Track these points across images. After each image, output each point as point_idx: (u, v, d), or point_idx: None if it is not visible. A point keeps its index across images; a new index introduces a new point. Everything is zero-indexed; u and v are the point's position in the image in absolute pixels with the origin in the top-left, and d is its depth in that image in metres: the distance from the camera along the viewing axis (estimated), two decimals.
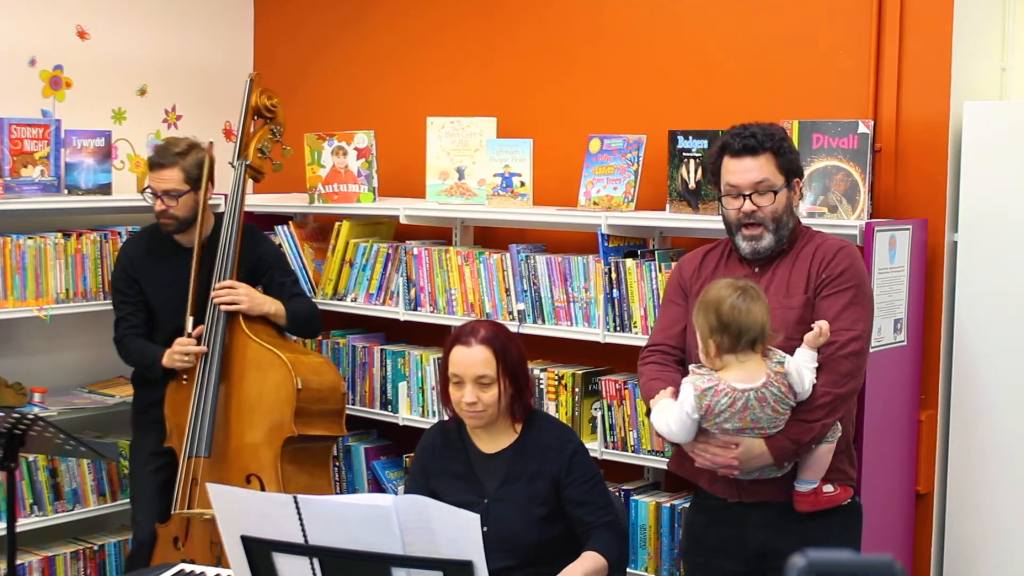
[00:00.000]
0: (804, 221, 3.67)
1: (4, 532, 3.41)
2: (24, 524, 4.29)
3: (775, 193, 3.13)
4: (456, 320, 4.38)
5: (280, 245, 4.74)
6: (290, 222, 4.86)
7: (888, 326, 3.62)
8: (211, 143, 4.32)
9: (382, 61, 5.09)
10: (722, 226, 3.81)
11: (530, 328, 4.15)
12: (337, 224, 4.74)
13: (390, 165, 4.81)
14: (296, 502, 2.36)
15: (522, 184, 4.30)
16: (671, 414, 3.00)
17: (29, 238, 4.41)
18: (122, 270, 4.35)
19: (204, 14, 5.29)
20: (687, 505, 3.92)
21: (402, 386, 4.55)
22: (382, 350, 4.64)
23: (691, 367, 3.02)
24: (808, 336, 2.99)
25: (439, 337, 4.63)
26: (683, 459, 3.22)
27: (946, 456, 3.84)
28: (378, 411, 4.65)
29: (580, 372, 4.16)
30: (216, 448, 4.07)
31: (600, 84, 4.48)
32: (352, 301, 4.69)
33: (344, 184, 4.72)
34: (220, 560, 3.78)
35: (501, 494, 3.26)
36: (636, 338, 3.94)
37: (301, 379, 4.07)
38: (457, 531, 2.32)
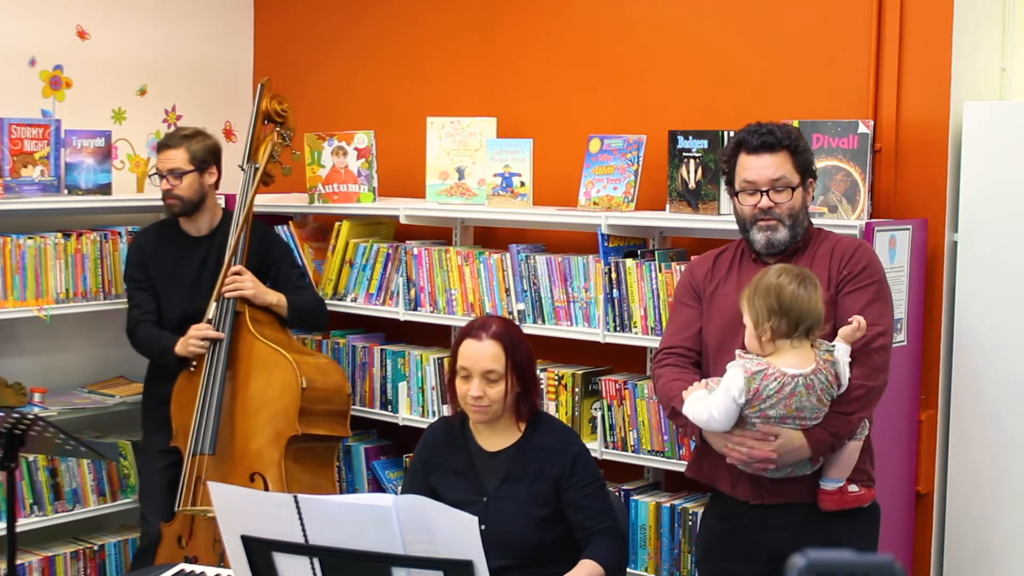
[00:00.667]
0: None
1: (4, 532, 3.41)
2: (24, 524, 4.29)
3: (792, 190, 3.13)
4: (456, 320, 4.38)
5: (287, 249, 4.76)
6: (290, 222, 4.86)
7: None
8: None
9: (382, 61, 5.09)
10: (722, 227, 3.82)
11: (530, 328, 4.15)
12: (337, 224, 4.74)
13: (390, 165, 4.81)
14: (296, 501, 2.35)
15: (522, 184, 4.30)
16: (714, 400, 2.93)
17: (29, 238, 4.41)
18: (134, 257, 4.45)
19: (204, 14, 5.29)
20: (688, 505, 3.92)
21: (402, 386, 4.55)
22: (382, 350, 4.64)
23: (737, 352, 2.97)
24: (845, 330, 2.97)
25: (439, 337, 4.64)
26: (701, 464, 3.20)
27: (946, 456, 3.84)
28: (378, 411, 4.65)
29: (580, 372, 4.16)
30: (221, 446, 4.09)
31: (600, 84, 4.48)
32: (352, 301, 4.69)
33: (344, 184, 4.72)
34: (223, 559, 3.79)
35: (501, 493, 3.26)
36: (636, 338, 3.94)
37: (306, 379, 4.08)
38: (457, 531, 2.32)
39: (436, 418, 4.36)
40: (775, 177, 3.13)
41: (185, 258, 4.36)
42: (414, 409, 4.54)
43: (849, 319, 2.99)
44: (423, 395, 4.51)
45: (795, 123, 3.76)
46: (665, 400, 3.19)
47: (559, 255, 4.17)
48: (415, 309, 4.49)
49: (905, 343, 3.74)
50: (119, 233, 4.66)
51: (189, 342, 4.18)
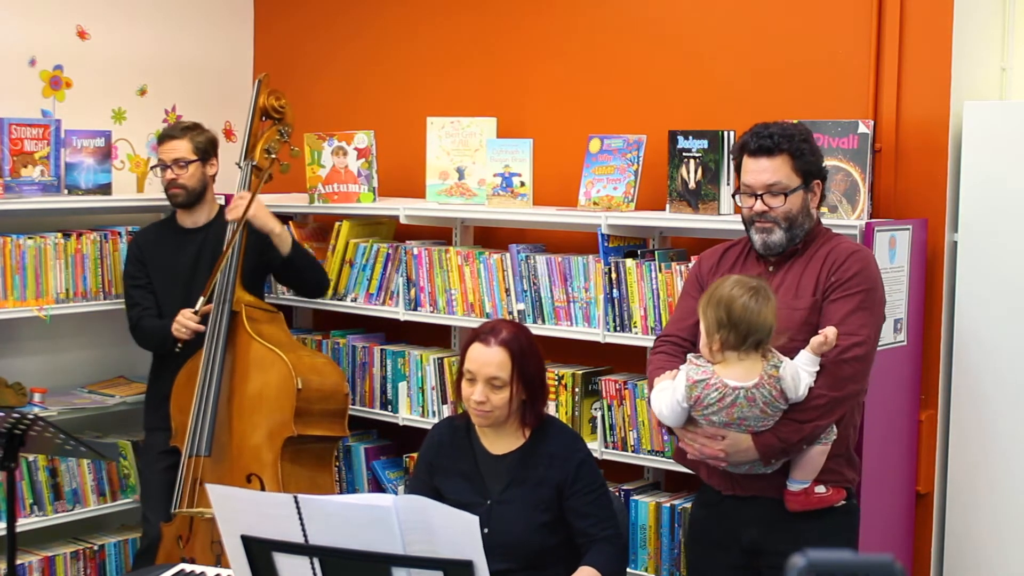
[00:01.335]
0: None
1: (4, 532, 3.41)
2: (24, 524, 4.29)
3: (787, 195, 3.13)
4: (456, 320, 4.39)
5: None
6: (290, 222, 4.86)
7: (888, 326, 3.62)
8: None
9: (382, 61, 5.09)
10: (722, 227, 3.85)
11: (530, 328, 4.14)
12: (337, 224, 4.74)
13: (390, 165, 4.81)
14: (296, 502, 2.35)
15: (522, 184, 4.30)
16: (664, 398, 3.04)
17: (29, 238, 4.42)
18: (132, 255, 4.49)
19: (204, 14, 5.29)
20: (687, 505, 3.92)
21: (402, 386, 4.55)
22: (382, 350, 4.64)
23: (689, 356, 3.04)
24: (813, 341, 2.99)
25: (439, 337, 4.64)
26: (684, 451, 3.24)
27: (946, 456, 3.84)
28: (378, 411, 4.65)
29: (580, 372, 4.16)
30: (217, 447, 4.08)
31: (600, 84, 4.48)
32: (352, 301, 4.69)
33: (344, 184, 4.72)
34: (220, 559, 3.79)
35: (505, 497, 3.25)
36: (636, 338, 3.94)
37: (302, 379, 4.08)
38: (457, 531, 2.32)
39: (436, 418, 4.37)
40: (770, 182, 3.14)
41: (180, 250, 4.38)
42: (414, 409, 4.54)
43: (821, 330, 3.00)
44: (423, 395, 4.51)
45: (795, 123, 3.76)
46: (650, 386, 3.25)
47: (559, 255, 4.16)
48: (415, 309, 4.49)
49: (905, 343, 3.74)
50: (119, 233, 4.66)
51: (177, 325, 4.20)
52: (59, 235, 4.50)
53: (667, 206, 4.02)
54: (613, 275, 3.98)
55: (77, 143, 4.54)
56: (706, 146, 3.89)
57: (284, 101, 4.45)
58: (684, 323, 3.29)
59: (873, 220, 3.66)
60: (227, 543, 2.46)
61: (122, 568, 4.70)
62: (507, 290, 4.25)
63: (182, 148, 4.38)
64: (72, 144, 4.53)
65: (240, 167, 4.42)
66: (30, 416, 3.23)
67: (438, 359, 4.46)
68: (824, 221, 3.68)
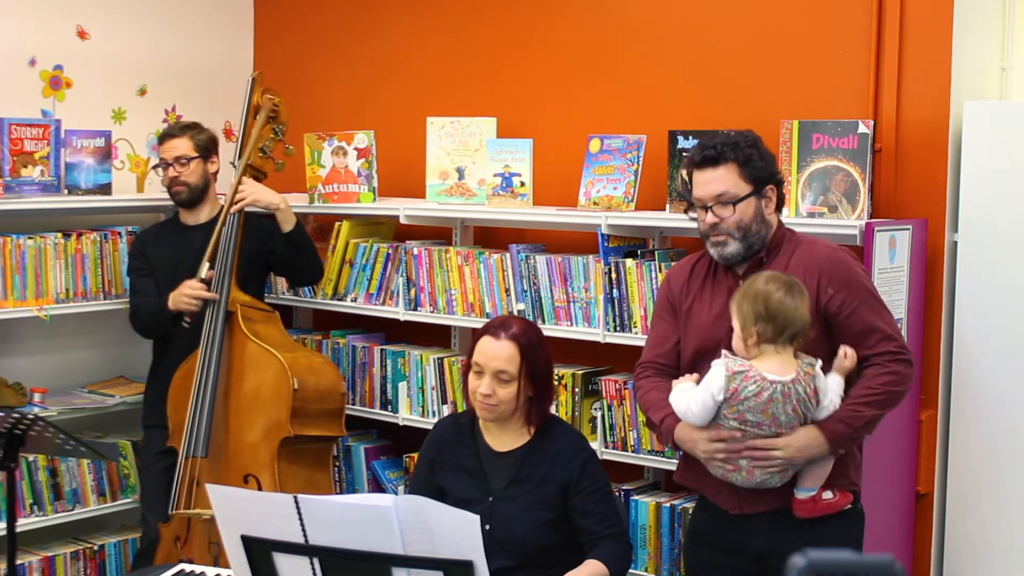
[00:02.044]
0: (803, 222, 3.68)
1: (4, 532, 3.41)
2: (24, 524, 4.29)
3: (735, 204, 3.08)
4: (456, 320, 4.39)
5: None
6: None
7: None
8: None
9: (382, 61, 5.09)
10: None
11: None
12: (337, 224, 4.74)
13: (390, 165, 4.81)
14: (296, 502, 2.36)
15: (522, 184, 4.30)
16: (693, 394, 2.99)
17: (29, 238, 4.41)
18: (134, 250, 4.52)
19: (204, 14, 5.29)
20: (688, 505, 3.92)
21: (402, 386, 4.55)
22: (382, 350, 4.64)
23: (723, 352, 2.99)
24: (838, 364, 3.02)
25: (439, 337, 4.64)
26: (688, 470, 3.21)
27: (946, 456, 3.84)
28: (378, 411, 4.65)
29: (580, 372, 4.16)
30: (214, 448, 4.07)
31: (600, 84, 4.48)
32: (352, 301, 4.69)
33: (344, 184, 4.72)
34: (217, 560, 3.79)
35: (508, 494, 3.26)
36: (636, 338, 3.94)
37: (297, 379, 4.07)
38: (457, 531, 2.32)
39: (436, 418, 4.37)
40: (717, 192, 3.09)
41: (182, 246, 4.39)
42: (414, 409, 4.54)
43: (842, 349, 3.03)
44: (423, 395, 4.51)
45: (795, 123, 3.76)
46: (645, 409, 3.23)
47: (559, 255, 4.17)
48: (415, 309, 4.49)
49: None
50: (119, 233, 4.66)
51: (182, 296, 4.18)
52: (59, 235, 4.50)
53: (667, 206, 4.02)
54: (613, 275, 3.98)
55: (77, 143, 4.54)
56: None
57: (278, 99, 4.44)
58: (662, 348, 3.24)
59: (873, 220, 3.66)
60: (227, 543, 2.46)
61: (122, 568, 4.70)
62: (507, 290, 4.25)
63: (183, 146, 4.39)
64: (72, 144, 4.53)
65: (235, 166, 4.42)
66: (30, 416, 3.23)
67: (438, 359, 4.46)
68: (825, 221, 3.68)
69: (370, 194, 4.67)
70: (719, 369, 2.95)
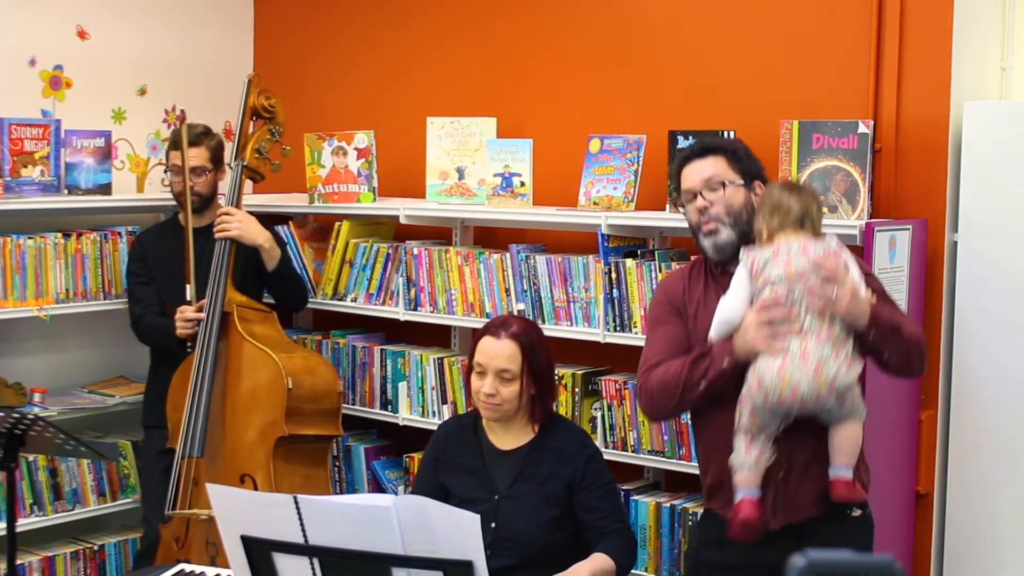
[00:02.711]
0: None
1: (4, 532, 3.41)
2: (24, 524, 4.29)
3: (724, 187, 3.08)
4: (456, 320, 4.39)
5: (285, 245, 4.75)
6: (290, 222, 4.86)
7: None
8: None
9: (382, 61, 5.09)
10: None
11: None
12: (337, 224, 4.74)
13: (390, 165, 4.81)
14: (296, 502, 2.35)
15: (522, 184, 4.30)
16: (726, 296, 2.98)
17: (29, 238, 4.42)
18: (134, 253, 4.52)
19: (204, 14, 5.29)
20: (687, 505, 3.92)
21: (402, 386, 4.55)
22: (382, 350, 4.64)
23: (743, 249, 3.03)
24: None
25: (439, 337, 4.64)
26: (716, 495, 3.10)
27: (946, 456, 3.84)
28: (378, 411, 4.64)
29: (580, 372, 4.16)
30: (210, 448, 4.08)
31: (600, 84, 4.48)
32: (352, 301, 4.69)
33: (344, 184, 4.72)
34: (214, 559, 3.79)
35: (512, 492, 3.27)
36: (636, 338, 3.94)
37: (292, 379, 4.07)
38: (457, 531, 2.32)
39: (436, 418, 4.37)
40: (706, 176, 3.09)
41: (183, 248, 4.35)
42: (414, 409, 4.54)
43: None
44: (423, 395, 4.51)
45: (795, 123, 3.76)
46: (671, 379, 3.01)
47: (559, 255, 4.16)
48: (415, 309, 4.49)
49: None
50: (119, 233, 4.66)
51: (178, 324, 4.21)
52: (59, 235, 4.50)
53: (667, 206, 4.01)
54: (613, 275, 3.98)
55: (77, 143, 4.54)
56: None
57: (274, 100, 4.43)
58: (673, 345, 3.10)
59: (873, 220, 3.66)
60: (227, 543, 2.46)
61: (122, 568, 4.70)
62: (507, 290, 4.25)
63: (202, 157, 4.38)
64: (72, 144, 4.53)
65: (231, 167, 4.42)
66: (30, 416, 3.23)
67: (438, 359, 4.46)
68: (825, 221, 3.67)
69: (370, 194, 4.67)
70: (741, 256, 3.00)
